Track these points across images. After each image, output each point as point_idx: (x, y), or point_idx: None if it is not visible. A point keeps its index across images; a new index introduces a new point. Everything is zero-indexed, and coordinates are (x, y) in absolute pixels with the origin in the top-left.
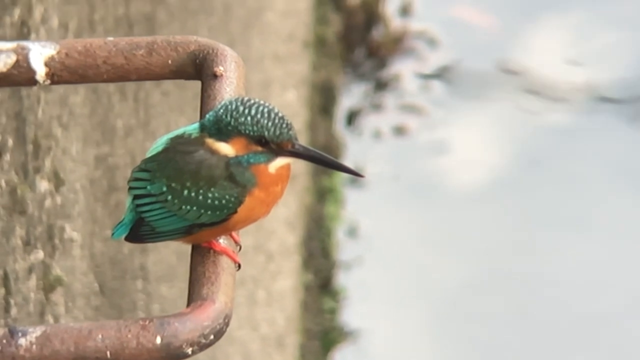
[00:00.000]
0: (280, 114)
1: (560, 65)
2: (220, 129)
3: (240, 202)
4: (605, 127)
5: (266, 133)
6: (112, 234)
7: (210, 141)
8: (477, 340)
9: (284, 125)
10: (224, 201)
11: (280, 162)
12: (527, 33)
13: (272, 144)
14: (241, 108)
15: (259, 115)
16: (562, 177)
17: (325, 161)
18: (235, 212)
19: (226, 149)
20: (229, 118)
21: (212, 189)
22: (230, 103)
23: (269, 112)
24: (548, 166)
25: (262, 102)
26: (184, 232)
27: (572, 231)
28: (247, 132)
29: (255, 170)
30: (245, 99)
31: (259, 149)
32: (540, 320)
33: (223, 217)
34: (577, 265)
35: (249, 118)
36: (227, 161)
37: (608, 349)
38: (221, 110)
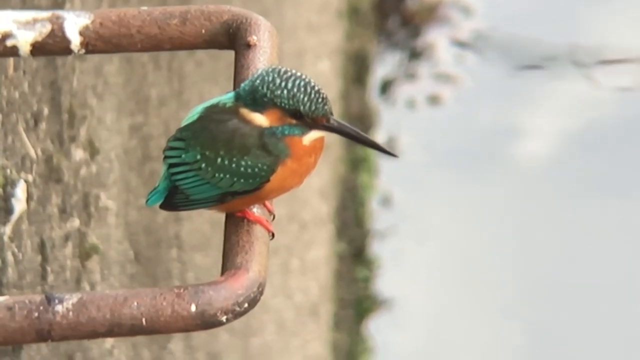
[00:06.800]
0: (316, 88)
1: (599, 34)
2: (256, 99)
3: (272, 171)
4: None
5: (302, 107)
6: (147, 201)
7: (245, 111)
8: (510, 308)
9: (320, 100)
10: (256, 169)
11: (313, 135)
12: (566, 2)
13: (307, 117)
14: (278, 80)
15: (295, 89)
16: (599, 144)
17: (358, 138)
18: (268, 180)
19: (260, 119)
20: (265, 89)
21: (245, 157)
22: (267, 74)
23: (305, 86)
24: (582, 136)
25: (299, 74)
26: (217, 200)
27: (615, 198)
28: (283, 104)
29: (288, 141)
30: (282, 70)
31: (294, 121)
32: (571, 290)
33: (255, 186)
34: (617, 236)
35: (285, 91)
36: (261, 131)
37: None
38: (257, 81)
